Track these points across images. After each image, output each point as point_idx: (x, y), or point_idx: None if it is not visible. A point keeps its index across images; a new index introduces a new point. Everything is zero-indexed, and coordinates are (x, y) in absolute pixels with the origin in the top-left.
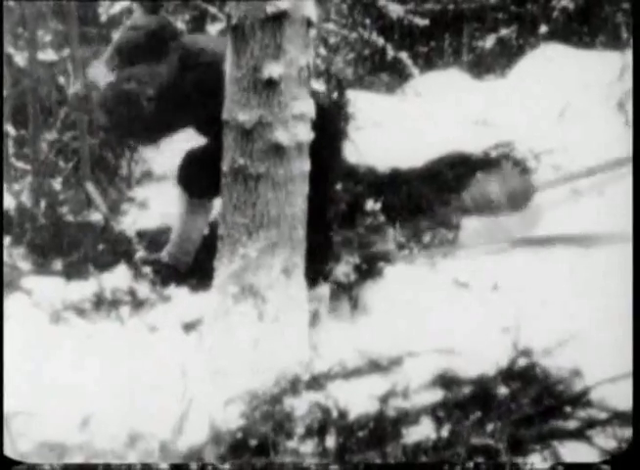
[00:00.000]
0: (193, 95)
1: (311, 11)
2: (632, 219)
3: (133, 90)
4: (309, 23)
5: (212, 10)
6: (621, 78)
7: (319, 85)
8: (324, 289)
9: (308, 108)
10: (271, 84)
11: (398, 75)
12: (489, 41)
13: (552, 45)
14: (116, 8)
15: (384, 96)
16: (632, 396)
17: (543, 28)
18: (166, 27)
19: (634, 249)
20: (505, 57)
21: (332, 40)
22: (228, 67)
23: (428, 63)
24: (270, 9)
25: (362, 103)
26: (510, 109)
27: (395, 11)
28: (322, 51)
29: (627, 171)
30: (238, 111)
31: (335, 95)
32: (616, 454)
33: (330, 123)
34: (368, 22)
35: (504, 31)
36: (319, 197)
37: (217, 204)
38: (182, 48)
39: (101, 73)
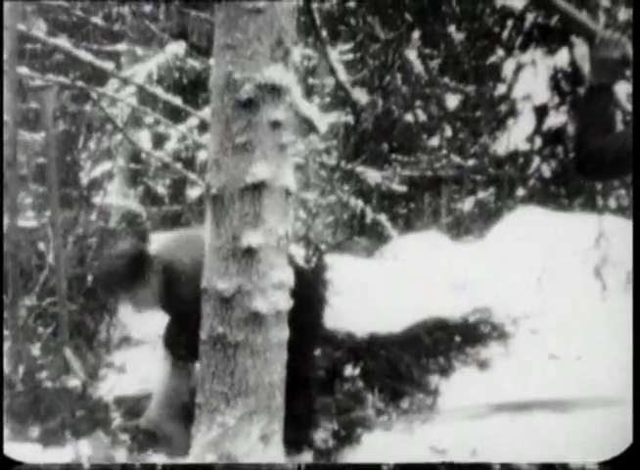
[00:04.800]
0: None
1: (290, 180)
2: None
3: None
4: (288, 193)
5: (192, 176)
6: (597, 245)
7: (298, 250)
8: (302, 457)
9: (287, 276)
10: (250, 253)
11: (377, 238)
12: (468, 203)
13: (529, 207)
14: (97, 171)
15: (362, 260)
16: (632, 396)
17: (521, 191)
18: (143, 253)
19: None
20: (483, 219)
21: (311, 204)
22: (207, 236)
23: (407, 224)
24: (249, 179)
25: (341, 267)
26: (488, 272)
27: (374, 178)
28: (302, 214)
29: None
30: (217, 279)
31: (314, 260)
32: (616, 454)
33: (310, 290)
34: (347, 187)
35: (482, 194)
36: (299, 363)
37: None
38: (162, 268)
39: None
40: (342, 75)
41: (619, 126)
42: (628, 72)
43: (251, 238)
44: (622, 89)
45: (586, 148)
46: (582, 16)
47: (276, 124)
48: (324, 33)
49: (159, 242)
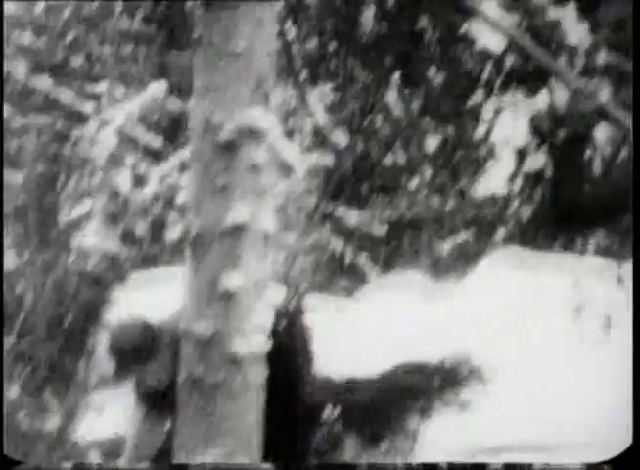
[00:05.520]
0: None
1: (269, 223)
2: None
3: None
4: (267, 235)
5: (172, 217)
6: (576, 286)
7: (278, 292)
8: None
9: (266, 318)
10: (229, 295)
11: (356, 279)
12: (447, 245)
13: (509, 249)
14: (77, 211)
15: (341, 300)
16: (632, 396)
17: (500, 233)
18: (147, 325)
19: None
20: (463, 260)
21: (291, 245)
22: (186, 278)
23: (386, 265)
24: (228, 221)
25: (320, 308)
26: (467, 313)
27: (353, 219)
28: (281, 255)
29: None
30: (195, 321)
31: (293, 301)
32: (616, 455)
33: (300, 334)
34: (326, 228)
35: (462, 235)
36: (289, 408)
37: None
38: (172, 339)
39: None
40: (322, 118)
41: (598, 171)
42: (604, 121)
43: (230, 280)
44: (601, 133)
45: (564, 197)
46: (558, 65)
47: (255, 167)
48: (304, 75)
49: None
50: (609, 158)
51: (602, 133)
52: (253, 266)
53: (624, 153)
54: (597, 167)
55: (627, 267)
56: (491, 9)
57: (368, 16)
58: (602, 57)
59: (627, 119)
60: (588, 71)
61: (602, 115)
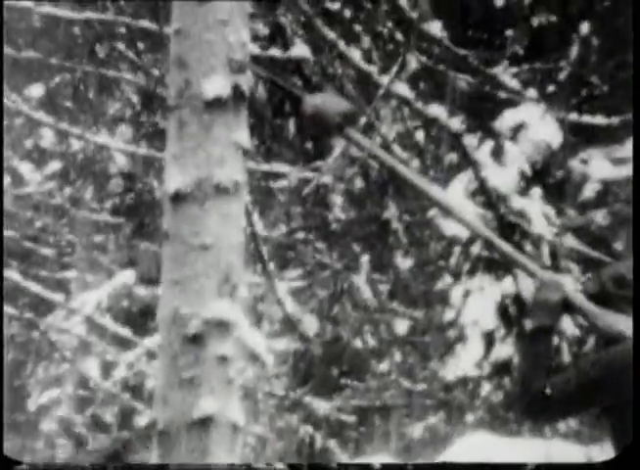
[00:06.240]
0: None
1: (237, 415)
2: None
3: None
4: (236, 427)
5: (140, 405)
6: None
7: None
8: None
9: None
10: None
11: (327, 463)
12: (418, 429)
13: (479, 433)
14: (45, 397)
15: None
16: (632, 395)
17: (470, 416)
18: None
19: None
20: (433, 444)
21: (260, 432)
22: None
23: (357, 449)
24: (196, 413)
25: None
26: None
27: (322, 408)
28: (250, 440)
29: None
30: None
31: None
32: (616, 455)
33: None
34: (295, 415)
35: (432, 419)
36: None
37: None
38: None
39: None
40: (291, 306)
41: (566, 360)
42: (568, 315)
43: None
44: (568, 323)
45: (530, 391)
46: (523, 258)
47: (223, 359)
48: (272, 265)
49: None
50: (576, 347)
51: (569, 323)
52: (222, 457)
53: (592, 342)
54: (565, 357)
55: (596, 451)
56: (456, 198)
57: (336, 202)
58: (568, 244)
59: (594, 310)
60: (554, 260)
61: (568, 305)
